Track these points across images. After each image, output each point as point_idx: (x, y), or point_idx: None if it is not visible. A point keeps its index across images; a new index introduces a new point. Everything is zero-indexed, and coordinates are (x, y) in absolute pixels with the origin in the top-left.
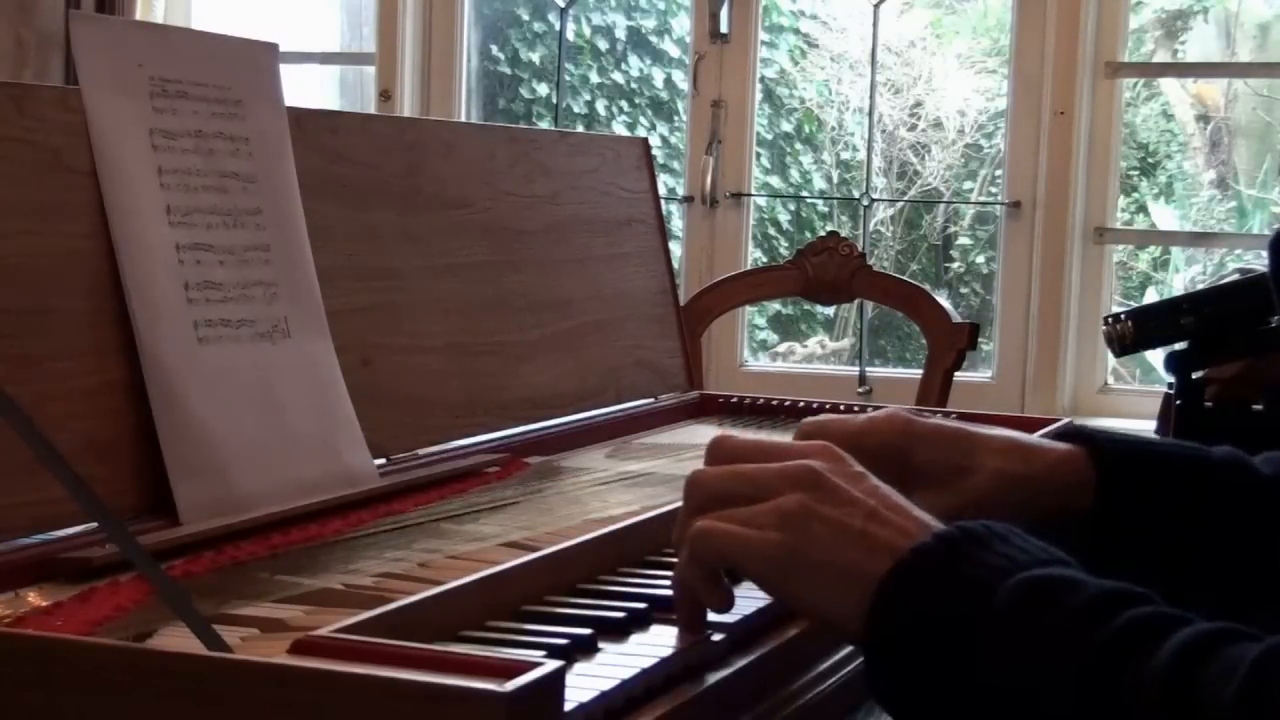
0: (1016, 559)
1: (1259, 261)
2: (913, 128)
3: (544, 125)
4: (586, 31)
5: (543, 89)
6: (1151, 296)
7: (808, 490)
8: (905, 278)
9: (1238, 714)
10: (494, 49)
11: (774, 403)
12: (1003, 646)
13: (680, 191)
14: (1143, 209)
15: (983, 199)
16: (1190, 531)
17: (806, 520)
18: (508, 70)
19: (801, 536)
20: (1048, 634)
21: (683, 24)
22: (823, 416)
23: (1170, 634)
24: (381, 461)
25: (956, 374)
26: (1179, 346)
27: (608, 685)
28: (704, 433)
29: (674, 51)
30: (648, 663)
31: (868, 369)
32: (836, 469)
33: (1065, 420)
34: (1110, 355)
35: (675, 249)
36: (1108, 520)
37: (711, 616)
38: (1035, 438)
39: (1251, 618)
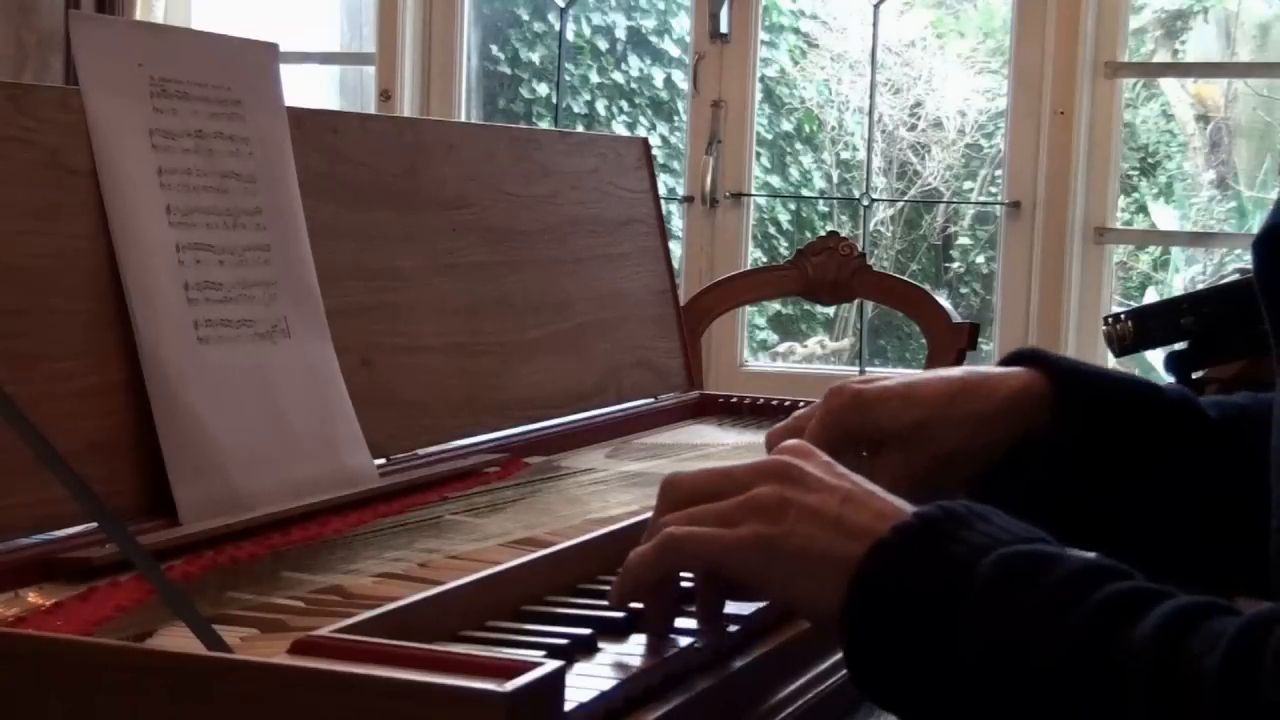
0: (997, 537)
1: None
2: (913, 128)
3: (544, 125)
4: (586, 31)
5: (543, 89)
6: (1151, 296)
7: (781, 481)
8: (905, 278)
9: (1221, 684)
10: (494, 49)
11: (774, 403)
12: (983, 622)
13: (680, 191)
14: (1143, 209)
15: (983, 199)
16: (1140, 461)
17: (783, 509)
18: (508, 70)
19: (778, 526)
20: (1028, 610)
21: (683, 24)
22: (780, 424)
23: (1151, 608)
24: (381, 461)
25: None
26: (1179, 346)
27: (608, 685)
28: (704, 433)
29: (674, 51)
30: (648, 663)
31: (868, 369)
32: (808, 461)
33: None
34: (1110, 355)
35: (675, 249)
36: (1063, 445)
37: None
38: (983, 369)
39: (1196, 553)
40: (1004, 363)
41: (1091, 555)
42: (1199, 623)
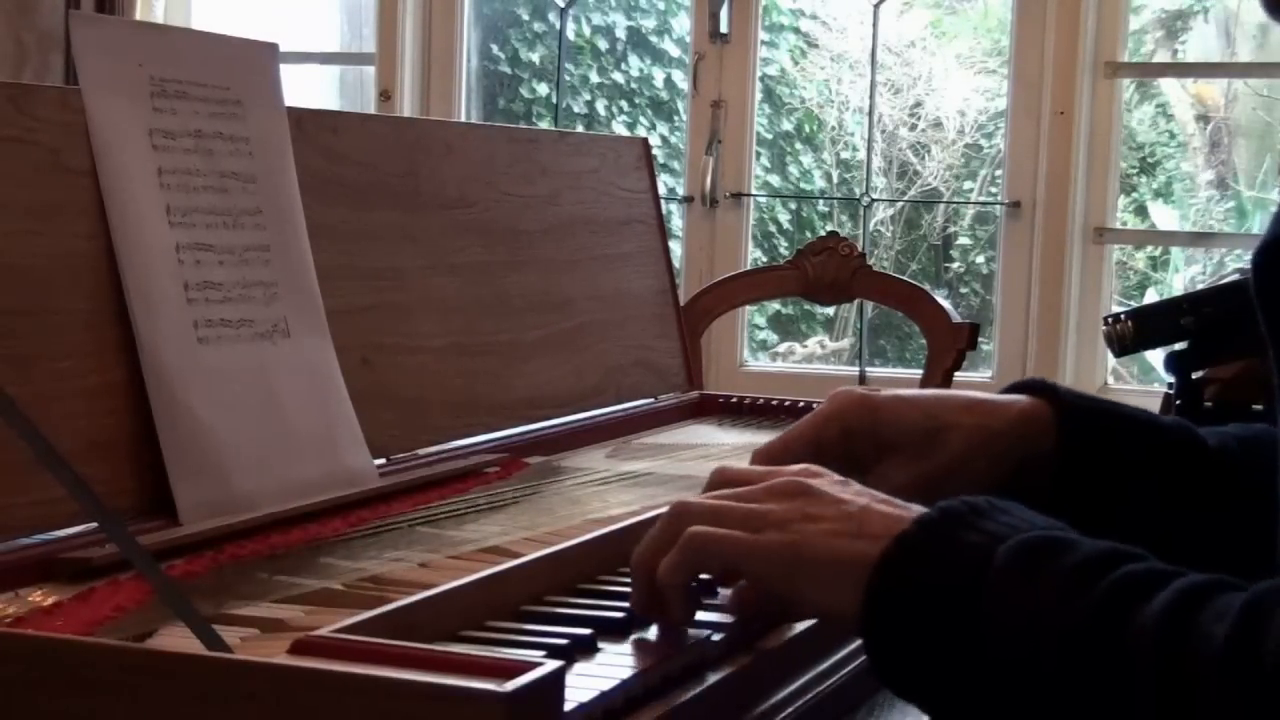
0: (1015, 525)
1: None
2: (913, 128)
3: (544, 125)
4: (586, 31)
5: (543, 89)
6: (1151, 296)
7: (796, 497)
8: (905, 278)
9: (1229, 655)
10: (494, 49)
11: (774, 403)
12: (1001, 606)
13: (680, 191)
14: (1142, 209)
15: (983, 199)
16: (1142, 489)
17: (802, 521)
18: (508, 70)
19: (800, 536)
20: (1045, 593)
21: (683, 24)
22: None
23: (1164, 586)
24: (381, 461)
25: (956, 374)
26: (1179, 346)
27: (608, 685)
28: (704, 433)
29: (674, 51)
30: (648, 663)
31: (868, 369)
32: (822, 480)
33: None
34: (1110, 355)
35: (675, 249)
36: (1067, 471)
37: (713, 616)
38: (992, 395)
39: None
40: (1006, 391)
41: (1107, 542)
42: (1207, 599)
